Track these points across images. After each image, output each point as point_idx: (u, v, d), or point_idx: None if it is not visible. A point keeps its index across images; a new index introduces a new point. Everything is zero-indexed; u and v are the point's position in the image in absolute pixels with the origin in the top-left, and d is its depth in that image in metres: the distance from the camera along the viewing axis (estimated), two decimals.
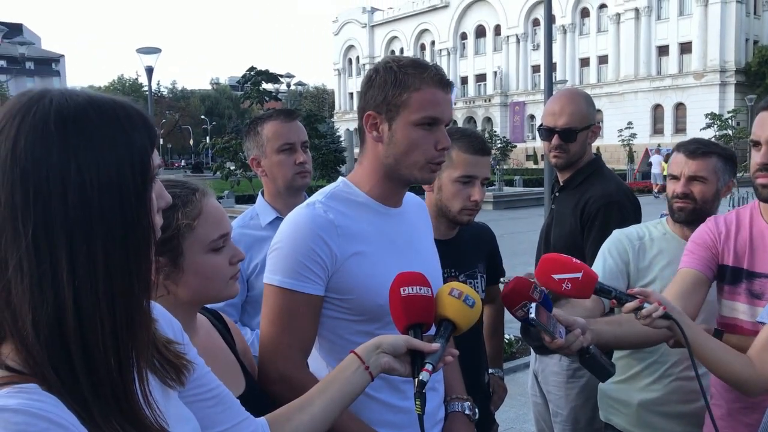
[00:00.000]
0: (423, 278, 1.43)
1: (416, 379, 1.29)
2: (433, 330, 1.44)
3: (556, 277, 1.67)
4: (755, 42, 53.88)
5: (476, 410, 1.99)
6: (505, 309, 1.68)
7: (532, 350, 3.16)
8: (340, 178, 1.84)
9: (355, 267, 1.67)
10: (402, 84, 1.65)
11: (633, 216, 2.76)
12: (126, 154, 0.87)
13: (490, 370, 2.75)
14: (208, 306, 1.65)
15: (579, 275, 1.66)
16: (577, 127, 2.81)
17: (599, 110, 54.70)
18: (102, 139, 0.85)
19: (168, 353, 1.05)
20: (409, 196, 1.92)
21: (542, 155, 3.75)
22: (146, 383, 0.93)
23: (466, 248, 2.49)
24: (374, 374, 1.33)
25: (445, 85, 1.69)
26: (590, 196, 2.77)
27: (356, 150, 1.85)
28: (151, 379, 0.97)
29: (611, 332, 1.91)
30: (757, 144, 1.92)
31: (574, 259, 1.70)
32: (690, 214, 2.32)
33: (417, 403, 1.27)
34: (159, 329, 1.06)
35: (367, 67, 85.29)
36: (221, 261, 1.47)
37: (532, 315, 1.53)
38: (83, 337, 0.84)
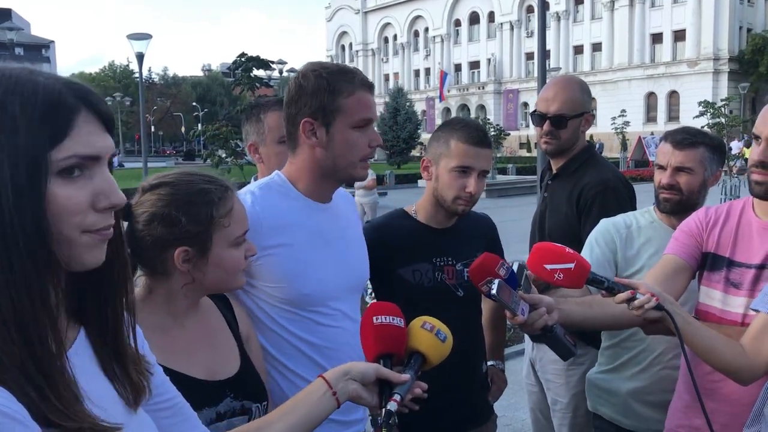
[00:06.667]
0: (396, 309, 1.42)
1: (383, 409, 1.26)
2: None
3: (548, 267, 1.66)
4: (749, 30, 53.96)
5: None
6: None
7: (528, 338, 3.14)
8: (276, 172, 1.95)
9: (282, 257, 1.79)
10: (335, 90, 1.77)
11: (629, 203, 2.76)
12: (8, 148, 0.78)
13: (490, 362, 2.72)
14: None
15: (572, 265, 1.65)
16: (568, 114, 2.81)
17: (593, 98, 54.21)
18: None
19: (132, 371, 1.00)
20: (338, 191, 2.01)
21: (536, 143, 3.77)
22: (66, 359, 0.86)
23: (465, 237, 2.46)
24: (341, 401, 1.28)
25: (371, 87, 1.87)
26: (586, 182, 2.76)
27: None
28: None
29: (580, 313, 1.93)
30: (758, 138, 1.91)
31: (567, 249, 1.69)
32: (676, 205, 2.32)
33: None
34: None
35: (360, 54, 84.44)
36: (239, 255, 1.57)
37: (494, 291, 1.56)
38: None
